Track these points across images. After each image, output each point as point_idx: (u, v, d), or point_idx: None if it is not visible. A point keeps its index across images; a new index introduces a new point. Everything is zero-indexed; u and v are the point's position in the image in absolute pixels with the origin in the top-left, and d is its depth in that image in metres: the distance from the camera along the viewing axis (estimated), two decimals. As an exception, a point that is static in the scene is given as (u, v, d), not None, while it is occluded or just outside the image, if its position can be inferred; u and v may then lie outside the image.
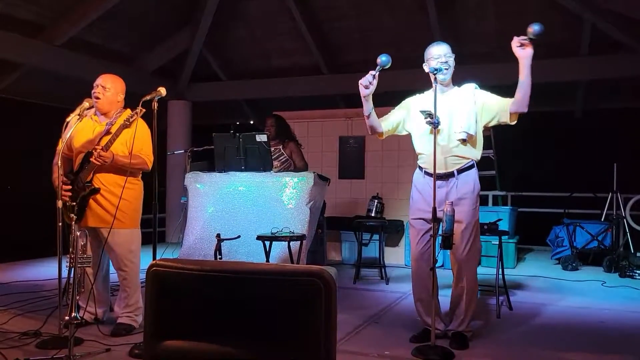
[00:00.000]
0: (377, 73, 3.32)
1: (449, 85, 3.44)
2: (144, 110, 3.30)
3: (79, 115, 3.34)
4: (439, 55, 3.36)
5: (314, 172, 4.96)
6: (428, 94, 3.43)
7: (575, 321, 4.12)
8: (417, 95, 3.57)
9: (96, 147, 3.40)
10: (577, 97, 8.77)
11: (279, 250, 4.65)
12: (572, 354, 3.30)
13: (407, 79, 7.54)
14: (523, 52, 3.19)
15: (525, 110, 3.27)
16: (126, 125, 3.38)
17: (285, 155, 5.51)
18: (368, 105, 3.44)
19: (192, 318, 1.47)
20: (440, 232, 3.18)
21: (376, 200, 6.42)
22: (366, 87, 3.34)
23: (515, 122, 3.37)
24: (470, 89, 3.41)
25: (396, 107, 3.63)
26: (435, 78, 3.26)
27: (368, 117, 3.48)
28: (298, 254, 4.45)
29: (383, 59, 3.30)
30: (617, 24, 6.92)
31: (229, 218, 4.99)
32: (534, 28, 3.11)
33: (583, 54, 7.46)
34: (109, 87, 3.57)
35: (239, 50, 9.24)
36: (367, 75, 3.33)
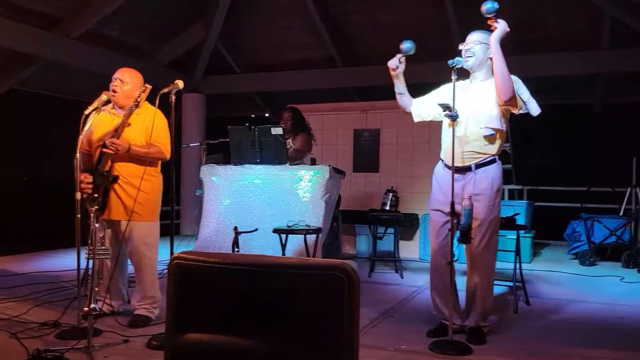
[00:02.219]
0: (403, 57, 3.29)
1: (477, 73, 3.35)
2: (149, 87, 3.28)
3: (96, 108, 3.35)
4: (467, 42, 3.31)
5: (329, 165, 4.94)
6: (459, 84, 3.31)
7: (593, 317, 4.07)
8: (450, 83, 3.49)
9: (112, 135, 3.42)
10: (596, 91, 8.64)
11: (294, 243, 4.65)
12: (590, 350, 3.27)
13: (422, 72, 7.49)
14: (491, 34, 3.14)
15: (506, 97, 3.14)
16: (136, 104, 3.36)
17: (294, 147, 5.50)
18: (398, 85, 3.44)
19: (213, 311, 1.46)
20: (458, 226, 3.16)
21: (391, 194, 6.39)
22: (394, 70, 3.34)
23: (518, 110, 3.27)
24: None
25: (432, 93, 3.56)
26: (455, 70, 3.20)
27: (400, 95, 3.47)
28: (314, 248, 4.44)
29: (407, 45, 3.29)
30: (639, 16, 6.79)
31: (244, 211, 5.00)
32: (486, 7, 3.07)
33: (603, 47, 7.34)
34: (127, 81, 3.58)
35: (253, 43, 9.22)
36: (393, 59, 3.32)
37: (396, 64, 3.32)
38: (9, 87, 7.92)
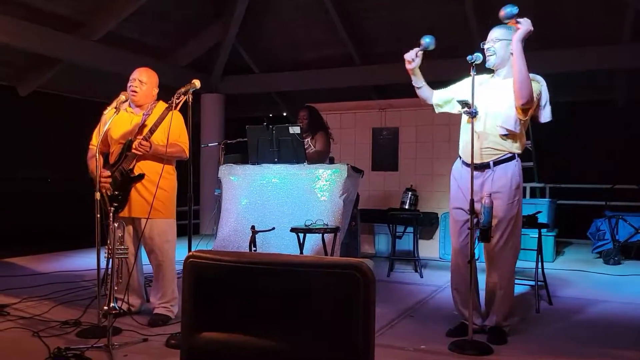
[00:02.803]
0: (421, 52, 3.26)
1: (500, 70, 3.29)
2: (188, 94, 3.29)
3: (115, 108, 3.38)
4: (488, 40, 3.26)
5: (347, 164, 4.92)
6: (479, 78, 3.28)
7: (617, 317, 3.98)
8: (477, 76, 3.44)
9: (137, 136, 3.46)
10: (619, 86, 8.47)
11: (312, 242, 4.64)
12: (614, 351, 3.19)
13: (442, 69, 7.42)
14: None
15: (524, 101, 3.09)
16: (170, 108, 3.39)
17: (314, 147, 5.49)
18: (416, 79, 3.43)
19: (229, 310, 1.45)
20: (478, 224, 3.11)
21: (410, 193, 6.36)
22: (409, 62, 3.31)
23: (526, 117, 3.20)
24: None
25: (454, 85, 3.52)
26: (473, 66, 3.16)
27: (419, 89, 3.45)
28: (332, 247, 4.42)
29: (427, 40, 3.27)
30: (662, 9, 6.65)
31: (263, 210, 5.00)
32: (505, 12, 3.05)
33: (625, 41, 7.19)
34: (145, 81, 3.63)
35: (271, 42, 9.23)
36: (410, 51, 3.30)
37: (412, 56, 3.29)
38: (32, 89, 8.05)
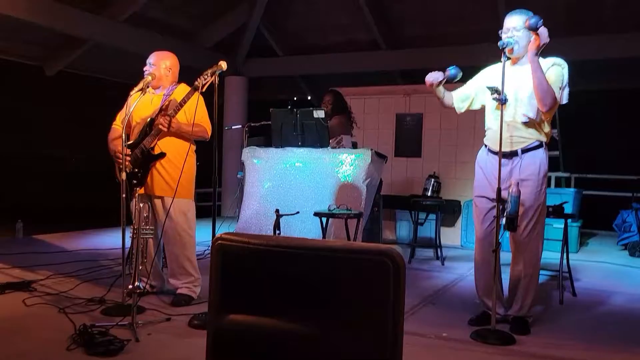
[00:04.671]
0: (444, 80, 3.27)
1: (523, 59, 3.21)
2: (215, 76, 3.28)
3: (141, 90, 3.39)
4: (507, 29, 3.18)
5: (371, 149, 4.89)
6: (498, 66, 3.24)
7: (644, 310, 3.92)
8: (492, 66, 3.40)
9: (161, 114, 3.47)
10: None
11: (334, 227, 4.64)
12: (638, 344, 3.15)
13: (470, 55, 7.31)
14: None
15: (548, 107, 3.07)
16: (196, 88, 3.39)
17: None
18: (438, 93, 3.40)
19: (256, 293, 1.45)
20: (504, 213, 3.07)
21: (433, 179, 6.30)
22: (429, 85, 3.32)
23: (549, 117, 3.19)
24: (546, 65, 3.14)
25: (470, 81, 3.50)
26: (504, 53, 3.10)
27: (441, 99, 3.45)
28: (355, 232, 4.41)
29: (452, 72, 3.26)
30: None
31: (285, 194, 5.01)
32: (530, 22, 3.02)
33: (660, 28, 6.99)
34: (154, 62, 3.66)
35: (296, 25, 9.18)
36: (435, 74, 3.29)
37: (435, 82, 3.29)
38: (58, 69, 8.14)
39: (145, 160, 3.53)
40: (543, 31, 3.05)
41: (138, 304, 3.17)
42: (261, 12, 8.61)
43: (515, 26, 3.15)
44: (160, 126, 3.45)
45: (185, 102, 3.44)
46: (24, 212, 6.63)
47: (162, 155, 3.52)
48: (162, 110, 3.51)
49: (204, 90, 3.37)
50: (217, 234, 1.52)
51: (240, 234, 1.45)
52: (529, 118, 3.16)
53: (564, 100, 3.21)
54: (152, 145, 3.52)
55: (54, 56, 8.04)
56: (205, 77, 3.27)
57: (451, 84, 3.38)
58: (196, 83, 3.34)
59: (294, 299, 1.38)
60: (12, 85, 8.92)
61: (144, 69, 3.65)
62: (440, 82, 3.30)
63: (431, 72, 3.32)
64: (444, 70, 3.30)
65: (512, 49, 3.16)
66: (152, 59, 3.69)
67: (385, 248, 1.31)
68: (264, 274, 1.43)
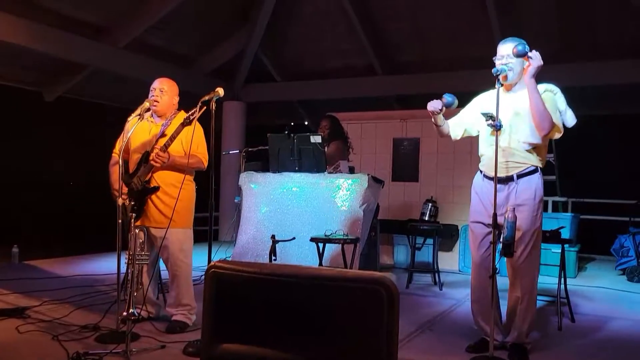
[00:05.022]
0: (443, 108, 3.29)
1: (517, 85, 3.25)
2: (204, 107, 3.33)
3: (139, 115, 3.41)
4: (501, 56, 3.22)
5: (368, 174, 4.90)
6: (491, 93, 3.27)
7: (643, 337, 3.89)
8: (485, 93, 3.43)
9: (155, 147, 3.48)
10: (645, 100, 8.33)
11: (331, 252, 4.62)
12: (641, 372, 3.11)
13: (466, 80, 7.39)
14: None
15: (546, 132, 3.09)
16: (187, 123, 3.42)
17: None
18: (438, 120, 3.41)
19: (250, 322, 1.44)
20: (500, 238, 3.07)
21: (430, 204, 6.30)
22: (431, 113, 3.33)
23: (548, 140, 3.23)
24: (540, 91, 3.16)
25: (465, 108, 3.52)
26: (498, 79, 3.13)
27: (439, 127, 3.45)
28: (351, 257, 4.40)
29: (448, 100, 3.27)
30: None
31: (282, 219, 5.00)
32: (517, 49, 3.05)
33: (654, 54, 7.08)
34: (167, 90, 3.66)
35: (294, 51, 9.28)
36: (435, 102, 3.29)
37: (435, 110, 3.29)
38: (58, 94, 8.19)
39: (141, 193, 3.52)
40: (535, 54, 3.08)
41: (133, 330, 3.14)
42: (259, 38, 8.71)
43: (509, 53, 3.19)
44: (152, 162, 3.46)
45: (173, 139, 3.45)
46: (21, 236, 6.61)
47: (156, 189, 3.52)
48: (157, 143, 3.51)
49: (192, 125, 3.40)
50: (212, 262, 1.52)
51: (234, 262, 1.45)
52: (530, 144, 3.17)
53: (570, 123, 3.22)
54: (147, 178, 3.52)
55: (53, 82, 8.10)
56: (193, 112, 3.31)
57: (450, 109, 3.40)
58: (185, 118, 3.37)
59: (288, 328, 1.37)
60: (11, 110, 8.96)
61: (150, 94, 3.65)
62: (441, 110, 3.32)
63: (431, 100, 3.34)
64: (441, 98, 3.32)
65: (506, 75, 3.20)
66: (156, 84, 3.69)
67: (379, 276, 1.31)
68: (258, 303, 1.42)
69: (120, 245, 3.18)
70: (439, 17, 7.78)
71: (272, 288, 1.39)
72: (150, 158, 3.48)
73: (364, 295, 1.30)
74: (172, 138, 3.47)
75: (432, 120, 3.42)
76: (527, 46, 3.05)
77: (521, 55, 3.07)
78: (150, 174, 3.53)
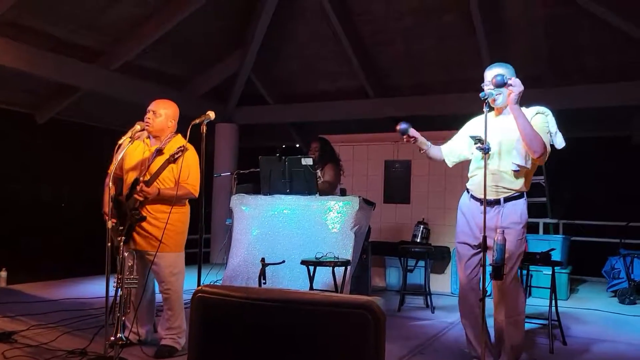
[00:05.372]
0: (410, 133, 3.38)
1: (505, 110, 3.29)
2: (186, 150, 3.35)
3: (130, 137, 3.41)
4: (488, 82, 3.26)
5: (359, 197, 4.91)
6: (481, 118, 3.30)
7: (633, 359, 3.87)
8: (476, 117, 3.47)
9: (141, 178, 3.45)
10: (634, 122, 8.43)
11: (322, 275, 4.60)
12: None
13: (457, 103, 7.47)
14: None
15: (538, 153, 3.12)
16: (170, 161, 3.43)
17: (322, 178, 5.49)
18: (420, 146, 3.46)
19: (236, 347, 1.43)
20: (489, 261, 3.07)
21: (422, 226, 6.31)
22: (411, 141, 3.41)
23: (540, 162, 3.26)
24: (529, 114, 3.21)
25: (457, 134, 3.57)
26: (486, 103, 3.16)
27: (425, 152, 3.48)
28: (342, 280, 4.38)
29: (403, 127, 3.37)
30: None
31: (273, 241, 4.99)
32: (496, 80, 3.11)
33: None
34: (160, 113, 3.61)
35: (286, 74, 9.35)
36: (404, 139, 3.42)
37: (409, 140, 3.40)
38: (49, 116, 8.20)
39: (129, 220, 3.50)
40: (515, 81, 3.13)
41: (120, 355, 3.10)
42: (252, 61, 8.78)
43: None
44: (136, 196, 3.43)
45: (157, 176, 3.45)
46: (10, 259, 6.53)
47: (142, 219, 3.48)
48: (146, 172, 3.50)
49: (176, 163, 3.42)
50: (199, 287, 1.51)
51: (220, 287, 1.45)
52: (519, 166, 3.20)
53: (560, 145, 3.26)
54: (135, 206, 3.50)
55: (46, 104, 8.11)
56: (178, 150, 3.36)
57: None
58: (171, 155, 3.41)
59: (274, 353, 1.37)
60: (2, 132, 8.95)
61: (145, 116, 3.62)
62: (410, 139, 3.38)
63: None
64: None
65: (495, 99, 3.24)
66: (151, 107, 3.65)
67: (365, 301, 1.31)
68: (244, 328, 1.42)
69: (109, 268, 3.16)
70: (430, 41, 7.89)
71: (258, 313, 1.39)
72: (135, 193, 3.45)
73: (350, 320, 1.30)
74: (158, 172, 3.46)
75: (419, 148, 3.47)
76: (504, 77, 3.09)
77: (500, 85, 3.11)
78: (138, 202, 3.49)
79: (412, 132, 3.40)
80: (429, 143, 3.49)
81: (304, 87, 9.42)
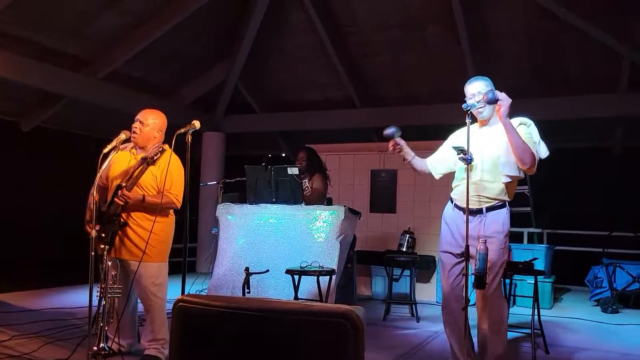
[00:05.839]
0: (397, 140, 3.38)
1: (492, 119, 3.34)
2: (166, 150, 3.34)
3: (115, 147, 3.40)
4: (472, 95, 3.30)
5: (344, 206, 4.94)
6: (470, 128, 3.33)
7: (616, 368, 3.93)
8: (460, 129, 3.51)
9: (122, 185, 3.45)
10: (616, 134, 8.57)
11: (308, 284, 4.61)
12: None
13: (442, 114, 7.53)
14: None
15: (529, 165, 3.18)
16: (148, 162, 3.41)
17: (310, 188, 5.52)
18: (406, 156, 3.48)
19: (217, 355, 1.44)
20: (471, 270, 3.10)
21: (407, 235, 6.33)
22: (398, 151, 3.42)
23: (531, 172, 3.30)
24: (514, 124, 3.25)
25: (442, 145, 3.60)
26: (469, 114, 3.21)
27: (411, 162, 3.50)
28: (327, 289, 4.39)
29: (391, 131, 3.37)
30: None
31: (259, 250, 4.99)
32: (488, 97, 3.16)
33: (622, 91, 7.32)
34: (148, 123, 3.60)
35: (273, 83, 9.38)
36: (389, 145, 3.42)
37: (395, 150, 3.40)
38: (35, 124, 8.14)
39: (111, 228, 3.48)
40: (503, 96, 3.18)
41: (103, 365, 3.08)
42: (239, 70, 8.80)
43: (479, 90, 3.28)
44: (117, 200, 3.41)
45: (137, 179, 3.43)
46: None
47: (124, 224, 3.47)
48: (129, 179, 3.49)
49: (154, 164, 3.41)
50: (179, 296, 1.52)
51: (202, 296, 1.46)
52: (510, 177, 3.24)
53: (543, 155, 3.32)
54: (117, 212, 3.48)
55: (31, 112, 8.06)
56: (156, 152, 3.35)
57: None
58: (149, 157, 3.39)
59: (254, 362, 1.38)
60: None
61: (132, 125, 3.60)
62: (400, 147, 3.40)
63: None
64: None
65: (479, 111, 3.28)
66: (138, 116, 3.63)
67: (345, 310, 1.33)
68: (225, 337, 1.43)
69: (92, 278, 3.14)
70: (416, 52, 7.96)
71: (238, 322, 1.40)
72: (116, 197, 3.44)
73: (329, 329, 1.32)
74: (136, 178, 3.44)
75: (403, 158, 3.49)
76: (495, 94, 3.14)
77: (492, 102, 3.16)
78: (120, 209, 3.49)
79: (399, 140, 3.41)
80: (413, 154, 3.52)
81: (292, 96, 9.45)
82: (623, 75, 7.17)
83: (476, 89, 3.28)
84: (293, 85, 9.30)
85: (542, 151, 3.31)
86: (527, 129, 3.28)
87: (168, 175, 3.45)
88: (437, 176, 3.63)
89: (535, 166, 3.24)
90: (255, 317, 1.39)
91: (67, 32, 6.80)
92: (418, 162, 3.55)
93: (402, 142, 3.43)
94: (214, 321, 1.42)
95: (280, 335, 1.36)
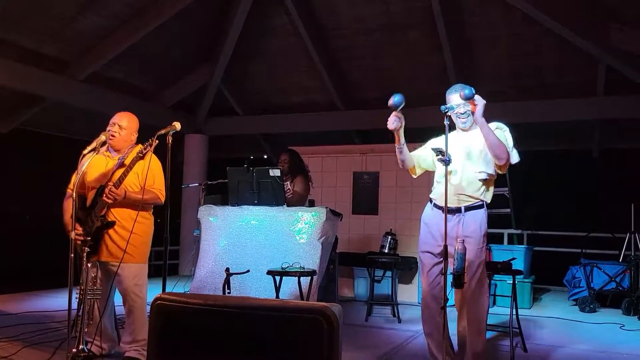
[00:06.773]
0: (399, 112, 3.30)
1: (471, 128, 3.41)
2: (157, 142, 3.34)
3: (94, 148, 3.40)
4: (457, 105, 3.35)
5: (326, 207, 4.96)
6: (450, 134, 3.35)
7: (592, 365, 4.00)
8: (441, 135, 3.53)
9: (108, 183, 3.45)
10: (594, 136, 8.72)
11: (289, 285, 4.63)
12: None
13: (422, 117, 7.59)
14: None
15: (504, 161, 3.25)
16: (139, 157, 3.42)
17: (292, 190, 5.53)
18: (399, 139, 3.42)
19: (195, 352, 1.46)
20: (450, 270, 3.15)
21: (389, 237, 6.38)
22: (394, 128, 3.35)
23: (504, 170, 3.38)
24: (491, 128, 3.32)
25: (423, 147, 3.64)
26: (447, 116, 3.25)
27: (400, 151, 3.48)
28: (308, 290, 4.42)
29: (397, 100, 3.24)
30: (632, 64, 6.92)
31: (241, 252, 5.00)
32: (464, 93, 3.20)
33: (599, 94, 7.46)
34: (125, 126, 3.63)
35: (256, 86, 9.39)
36: (391, 119, 3.30)
37: (396, 124, 3.30)
38: (14, 126, 8.06)
39: (97, 228, 3.48)
40: (477, 97, 3.26)
41: (83, 368, 3.07)
42: (221, 73, 8.79)
43: (464, 102, 3.34)
44: (104, 198, 3.42)
45: (127, 174, 3.43)
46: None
47: (111, 224, 3.48)
48: (111, 179, 3.49)
49: (144, 159, 3.40)
50: (157, 294, 1.54)
51: (179, 294, 1.47)
52: (487, 174, 3.31)
53: (514, 160, 3.39)
54: (102, 213, 3.48)
55: (10, 114, 7.97)
56: (146, 146, 3.33)
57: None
58: (138, 152, 3.38)
59: (231, 357, 1.39)
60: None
61: (108, 129, 3.60)
62: (400, 125, 3.33)
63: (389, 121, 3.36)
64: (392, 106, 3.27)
65: (463, 120, 3.35)
66: (115, 119, 3.65)
67: (320, 307, 1.35)
68: (202, 334, 1.44)
69: (72, 280, 3.13)
70: (398, 56, 8.03)
71: (215, 319, 1.42)
72: (104, 194, 3.44)
73: (304, 326, 1.34)
74: (125, 173, 3.45)
75: (396, 142, 3.42)
76: (472, 90, 3.20)
77: (469, 98, 3.21)
78: (106, 209, 3.49)
79: (401, 115, 3.32)
80: (405, 143, 3.50)
81: (274, 99, 9.47)
82: (600, 79, 7.31)
83: (457, 98, 3.32)
84: (276, 88, 9.32)
85: (514, 157, 3.40)
86: (503, 134, 3.36)
87: (149, 174, 3.46)
88: (415, 176, 3.66)
89: (508, 164, 3.32)
90: (231, 313, 1.41)
91: (47, 34, 6.75)
92: (406, 151, 3.53)
93: (402, 123, 3.36)
94: (191, 318, 1.44)
95: (256, 330, 1.38)
